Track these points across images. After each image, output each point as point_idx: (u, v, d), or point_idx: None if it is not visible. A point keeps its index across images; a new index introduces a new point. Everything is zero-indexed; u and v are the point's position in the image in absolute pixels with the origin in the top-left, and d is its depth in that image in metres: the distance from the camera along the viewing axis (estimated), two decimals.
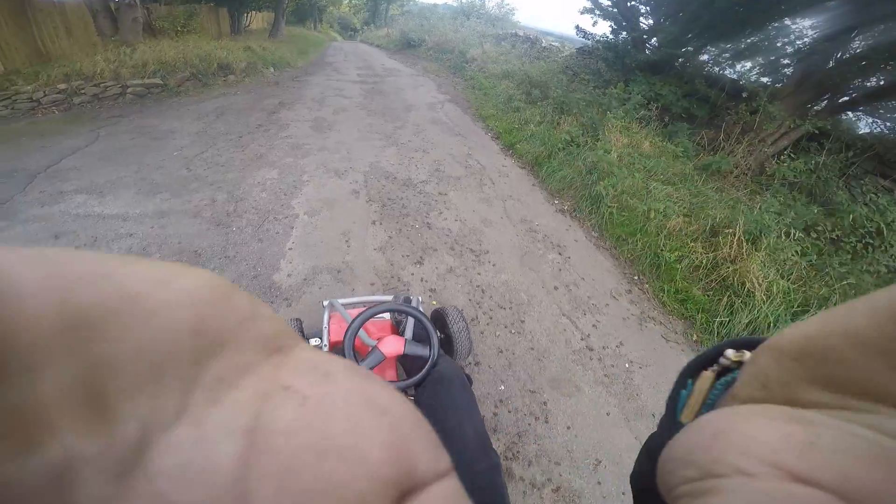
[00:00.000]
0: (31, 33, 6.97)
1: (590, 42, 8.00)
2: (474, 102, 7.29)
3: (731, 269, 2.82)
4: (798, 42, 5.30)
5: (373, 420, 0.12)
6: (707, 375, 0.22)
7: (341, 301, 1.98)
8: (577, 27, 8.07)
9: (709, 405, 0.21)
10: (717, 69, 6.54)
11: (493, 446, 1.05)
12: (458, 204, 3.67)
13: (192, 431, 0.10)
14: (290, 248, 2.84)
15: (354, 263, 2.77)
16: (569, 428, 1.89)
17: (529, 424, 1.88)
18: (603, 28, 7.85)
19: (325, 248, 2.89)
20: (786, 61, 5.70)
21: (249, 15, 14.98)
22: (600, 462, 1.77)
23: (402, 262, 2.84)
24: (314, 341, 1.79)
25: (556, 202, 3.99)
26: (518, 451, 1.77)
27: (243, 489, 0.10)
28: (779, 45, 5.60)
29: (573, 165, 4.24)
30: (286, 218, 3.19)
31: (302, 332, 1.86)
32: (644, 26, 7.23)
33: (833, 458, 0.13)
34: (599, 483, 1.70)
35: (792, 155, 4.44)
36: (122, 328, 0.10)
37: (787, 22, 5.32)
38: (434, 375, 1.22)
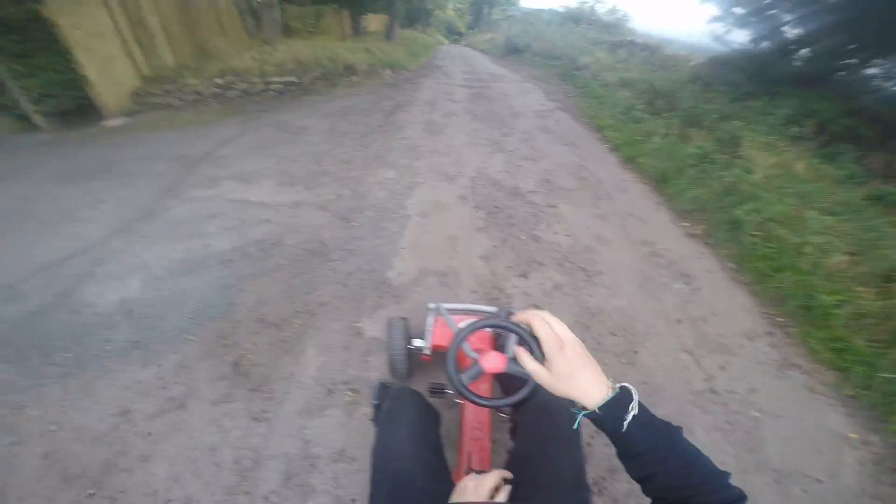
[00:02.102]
0: (194, 30, 8.24)
1: (724, 51, 7.39)
2: (587, 111, 6.94)
3: None
4: None
5: None
6: None
7: (446, 306, 2.00)
8: (710, 35, 7.55)
9: None
10: (890, 84, 5.46)
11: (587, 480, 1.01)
12: (569, 218, 3.50)
13: None
14: (403, 248, 2.96)
15: (459, 269, 2.79)
16: None
17: None
18: (738, 37, 7.23)
19: (434, 250, 2.96)
20: None
21: (367, 17, 16.13)
22: None
23: (505, 273, 2.79)
24: (417, 342, 1.84)
25: (686, 225, 3.58)
26: (605, 488, 1.64)
27: None
28: None
29: (706, 184, 3.79)
30: (400, 218, 3.34)
31: (407, 330, 1.90)
32: (789, 36, 6.38)
33: None
34: None
35: None
36: None
37: None
38: (540, 400, 1.18)
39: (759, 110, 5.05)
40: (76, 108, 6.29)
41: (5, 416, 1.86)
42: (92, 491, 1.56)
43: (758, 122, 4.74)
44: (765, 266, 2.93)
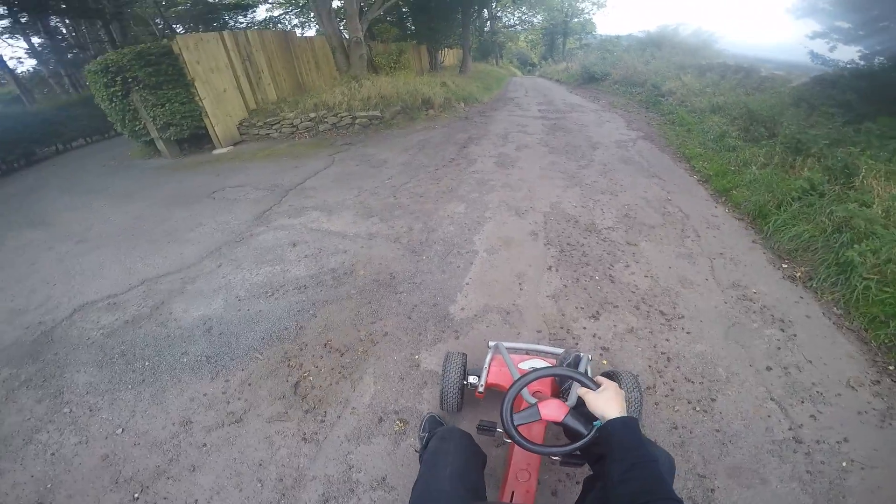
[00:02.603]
0: (293, 66, 9.19)
1: (830, 69, 6.67)
2: (674, 140, 6.48)
3: None
4: None
5: None
6: None
7: (507, 345, 1.96)
8: (810, 52, 6.84)
9: None
10: None
11: None
12: (649, 257, 3.22)
13: None
14: (468, 283, 2.93)
15: (524, 307, 2.67)
16: None
17: None
18: (847, 53, 6.39)
19: (499, 287, 2.88)
20: None
21: (443, 52, 16.94)
22: None
23: (574, 313, 2.61)
24: (472, 378, 1.82)
25: (785, 266, 3.12)
26: None
27: None
28: None
29: (813, 220, 3.27)
30: (468, 253, 3.32)
31: (465, 366, 1.87)
32: None
33: None
34: None
35: None
36: None
37: None
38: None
39: (879, 134, 4.33)
40: (190, 136, 7.27)
41: (79, 416, 2.11)
42: (137, 495, 1.68)
43: (877, 148, 4.05)
44: (880, 311, 2.42)
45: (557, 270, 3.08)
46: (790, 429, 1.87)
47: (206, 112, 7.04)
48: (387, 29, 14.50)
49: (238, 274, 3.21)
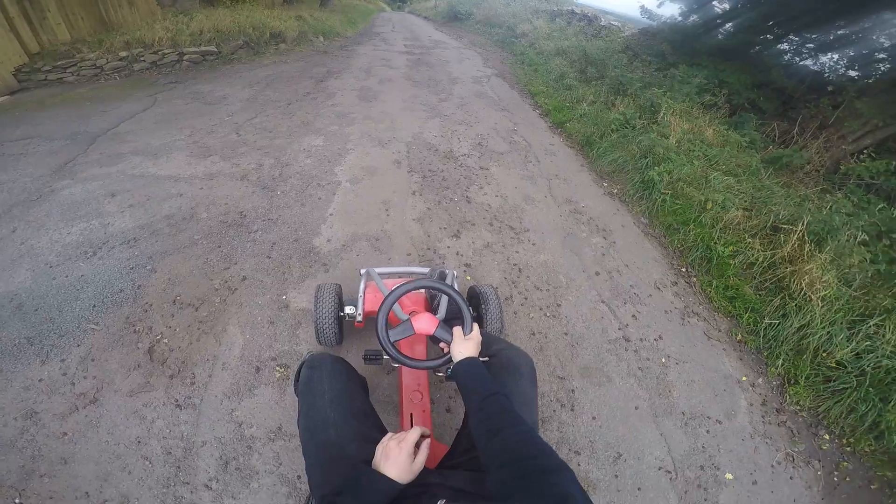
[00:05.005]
0: (95, 3, 7.27)
1: (654, 23, 7.71)
2: (523, 78, 7.01)
3: (788, 269, 2.59)
4: None
5: None
6: None
7: (378, 270, 1.99)
8: (641, 7, 7.83)
9: None
10: (798, 60, 5.98)
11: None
12: (499, 179, 3.57)
13: None
14: (331, 214, 2.88)
15: (392, 233, 2.77)
16: (594, 418, 1.84)
17: (554, 411, 1.84)
18: (671, 10, 7.56)
19: (365, 215, 2.91)
20: (881, 56, 5.20)
21: None
22: (621, 455, 1.72)
23: (439, 234, 2.82)
24: (349, 309, 1.82)
25: (605, 185, 3.79)
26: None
27: None
28: (874, 38, 5.17)
29: (626, 148, 4.00)
30: (329, 185, 3.23)
31: (340, 297, 1.87)
32: (718, 10, 6.73)
33: None
34: (616, 476, 1.66)
35: (873, 155, 3.98)
36: None
37: (889, 15, 4.80)
38: (503, 361, 1.25)
39: (679, 79, 5.34)
40: None
41: None
42: (18, 500, 1.43)
43: (676, 91, 5.02)
44: (673, 220, 3.18)
45: (421, 195, 3.22)
46: (619, 329, 2.29)
47: None
48: None
49: (42, 237, 2.58)
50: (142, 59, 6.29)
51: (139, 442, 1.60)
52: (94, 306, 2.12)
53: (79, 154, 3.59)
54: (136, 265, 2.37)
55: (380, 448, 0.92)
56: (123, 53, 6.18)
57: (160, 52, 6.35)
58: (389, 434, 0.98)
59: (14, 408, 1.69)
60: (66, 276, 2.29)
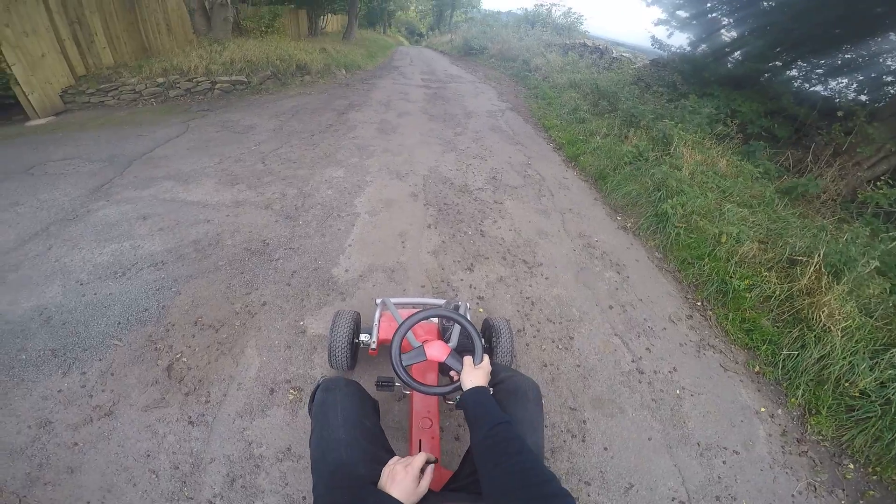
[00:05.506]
0: (137, 29, 7.82)
1: (665, 54, 7.76)
2: (537, 112, 7.20)
3: (806, 301, 2.55)
4: None
5: None
6: None
7: (393, 300, 2.03)
8: (652, 38, 7.84)
9: None
10: (808, 86, 6.01)
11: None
12: (513, 213, 3.64)
13: None
14: (350, 245, 2.97)
15: (408, 265, 2.83)
16: (605, 449, 1.82)
17: (565, 441, 1.83)
18: (680, 40, 7.65)
19: (382, 247, 2.98)
20: (890, 79, 5.23)
21: (325, 17, 15.80)
22: (633, 486, 1.68)
23: (453, 267, 2.86)
24: (364, 336, 1.85)
25: (619, 219, 3.82)
26: (549, 467, 1.75)
27: None
28: (882, 61, 5.20)
29: (639, 181, 4.04)
30: (348, 216, 3.34)
31: (358, 324, 1.91)
32: (726, 38, 6.83)
33: None
34: None
35: (890, 182, 3.94)
36: None
37: (894, 38, 4.84)
38: (509, 387, 1.27)
39: (690, 110, 5.39)
40: None
41: None
42: None
43: (687, 122, 5.08)
44: (687, 254, 3.18)
45: (436, 228, 3.29)
46: (632, 361, 2.28)
47: (15, 79, 5.69)
48: None
49: (76, 255, 2.74)
50: (177, 85, 6.68)
51: (148, 456, 1.63)
52: (119, 323, 2.21)
53: (115, 176, 3.80)
54: (161, 287, 2.47)
55: (386, 470, 0.96)
56: (161, 80, 6.58)
57: (194, 80, 6.73)
58: (396, 458, 1.01)
59: (30, 416, 1.76)
60: (95, 294, 2.40)
